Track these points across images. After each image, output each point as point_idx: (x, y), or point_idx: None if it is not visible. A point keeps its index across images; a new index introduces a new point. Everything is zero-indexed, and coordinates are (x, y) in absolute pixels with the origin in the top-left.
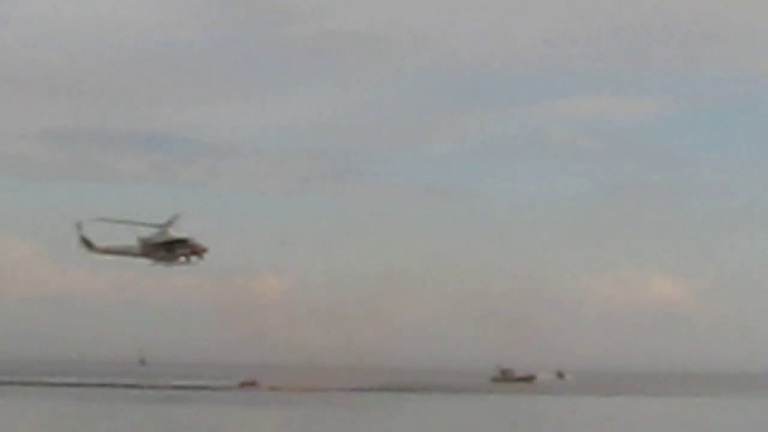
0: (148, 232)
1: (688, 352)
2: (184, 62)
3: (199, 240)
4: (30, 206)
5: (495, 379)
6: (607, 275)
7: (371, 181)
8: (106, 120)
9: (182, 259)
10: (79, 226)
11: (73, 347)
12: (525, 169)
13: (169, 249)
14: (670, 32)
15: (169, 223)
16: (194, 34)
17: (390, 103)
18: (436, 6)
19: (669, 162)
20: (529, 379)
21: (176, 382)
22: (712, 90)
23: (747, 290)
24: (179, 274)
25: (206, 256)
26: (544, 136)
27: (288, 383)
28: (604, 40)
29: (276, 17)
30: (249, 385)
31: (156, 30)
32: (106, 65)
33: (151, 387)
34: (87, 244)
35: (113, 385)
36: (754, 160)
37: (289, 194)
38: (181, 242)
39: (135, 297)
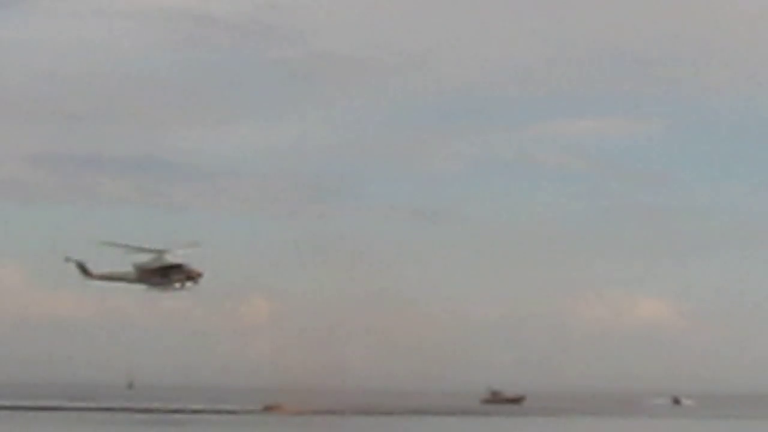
0: (143, 258)
1: (677, 373)
2: (171, 86)
3: (194, 265)
4: (17, 229)
5: (485, 401)
6: (595, 296)
7: (359, 203)
8: (95, 143)
9: (177, 284)
10: (67, 259)
11: (59, 370)
12: (513, 191)
13: (164, 275)
14: (658, 54)
15: (165, 250)
16: (181, 57)
17: (377, 125)
18: (423, 28)
19: (658, 183)
20: (518, 400)
21: (197, 406)
22: (701, 111)
23: (736, 311)
24: (168, 297)
25: None
26: (532, 158)
27: (309, 407)
28: (593, 62)
29: (263, 40)
30: (274, 408)
31: (143, 54)
32: (94, 89)
33: (177, 411)
34: (83, 270)
35: (127, 410)
36: (744, 182)
37: (277, 216)
38: (177, 268)
39: (122, 320)
